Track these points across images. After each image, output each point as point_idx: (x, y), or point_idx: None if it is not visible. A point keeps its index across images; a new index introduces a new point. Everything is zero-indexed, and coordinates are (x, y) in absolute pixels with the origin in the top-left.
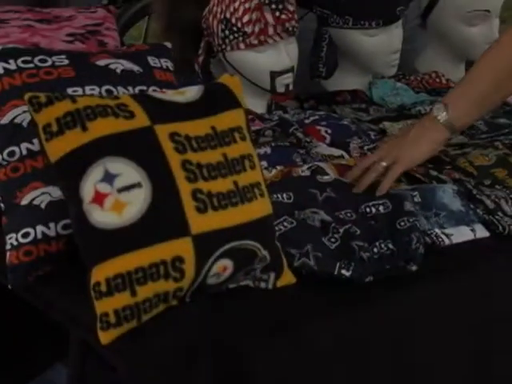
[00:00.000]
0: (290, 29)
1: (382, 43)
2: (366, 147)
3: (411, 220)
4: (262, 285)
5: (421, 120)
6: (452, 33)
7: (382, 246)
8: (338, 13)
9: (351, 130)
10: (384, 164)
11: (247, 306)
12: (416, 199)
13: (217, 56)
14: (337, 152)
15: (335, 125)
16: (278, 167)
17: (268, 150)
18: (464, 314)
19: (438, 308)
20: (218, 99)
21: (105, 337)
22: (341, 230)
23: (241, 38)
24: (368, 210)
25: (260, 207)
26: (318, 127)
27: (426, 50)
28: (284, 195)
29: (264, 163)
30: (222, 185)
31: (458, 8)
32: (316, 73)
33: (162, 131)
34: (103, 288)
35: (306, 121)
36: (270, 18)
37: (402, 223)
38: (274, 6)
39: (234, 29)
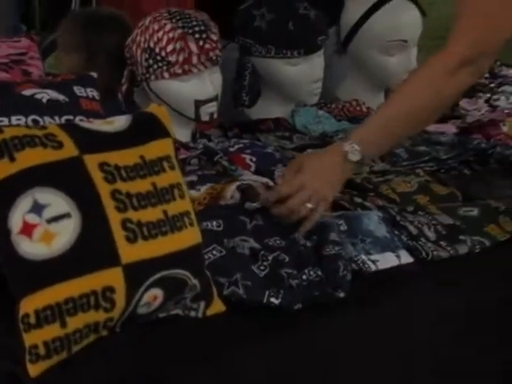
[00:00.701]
0: (214, 58)
1: (304, 72)
2: None
3: (336, 249)
4: (192, 313)
5: (333, 155)
6: (371, 62)
7: (311, 272)
8: (261, 42)
9: (276, 157)
10: (310, 206)
11: (177, 335)
12: (342, 227)
13: (140, 85)
14: (262, 180)
15: (260, 153)
16: (209, 184)
17: (194, 178)
18: (389, 339)
19: (365, 334)
20: (147, 129)
21: (34, 369)
22: (270, 258)
23: (165, 68)
24: (297, 238)
25: (189, 236)
26: (243, 155)
27: (346, 79)
28: (214, 223)
29: (192, 192)
30: (151, 214)
31: (377, 38)
32: (239, 101)
33: (91, 161)
34: (32, 320)
35: (231, 149)
36: (193, 47)
37: (328, 250)
38: (197, 36)
39: (158, 58)
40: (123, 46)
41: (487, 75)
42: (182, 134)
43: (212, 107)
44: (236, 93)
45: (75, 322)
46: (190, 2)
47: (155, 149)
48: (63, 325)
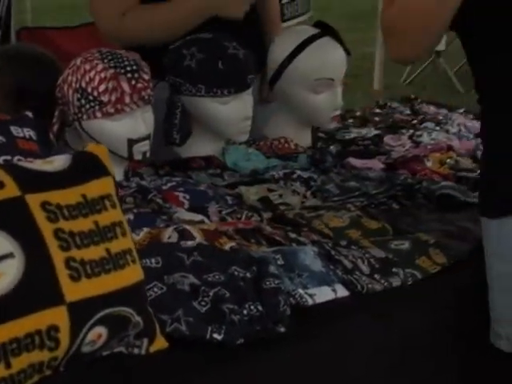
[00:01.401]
0: (146, 97)
1: (234, 110)
2: (224, 212)
3: (276, 282)
4: (136, 351)
5: None
6: (298, 100)
7: (252, 307)
8: (191, 81)
9: (208, 195)
10: None
11: (121, 372)
12: (279, 262)
13: (72, 125)
14: (197, 217)
15: (193, 190)
16: (145, 229)
17: (131, 216)
18: (327, 373)
19: (304, 368)
20: (87, 168)
21: None
22: (210, 293)
23: (97, 107)
24: (236, 273)
25: (132, 273)
26: (176, 193)
27: (273, 116)
28: (152, 260)
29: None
30: (94, 252)
31: (304, 76)
32: (170, 140)
33: (33, 201)
34: None
35: (164, 187)
36: (126, 86)
37: (268, 283)
38: (129, 75)
39: (90, 98)
40: (54, 86)
41: (409, 112)
42: (115, 172)
43: (145, 146)
44: (167, 131)
45: (20, 362)
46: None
47: (96, 187)
48: (8, 365)
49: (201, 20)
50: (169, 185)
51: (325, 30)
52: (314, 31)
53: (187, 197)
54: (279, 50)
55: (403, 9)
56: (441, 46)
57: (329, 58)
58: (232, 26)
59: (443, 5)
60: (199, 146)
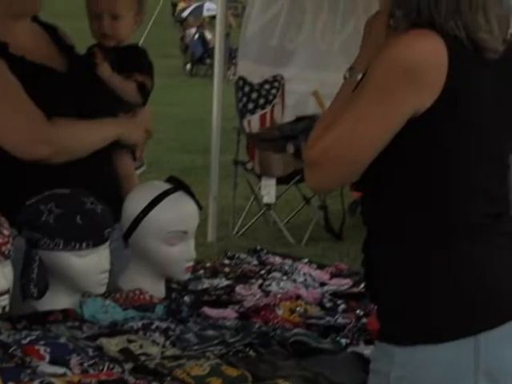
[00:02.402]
0: (6, 252)
1: (91, 264)
2: (85, 364)
3: None
4: None
5: None
6: (153, 252)
7: None
8: (49, 236)
9: (69, 347)
10: None
11: None
12: None
13: None
14: (59, 369)
15: (53, 343)
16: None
17: None
18: None
19: None
20: None
21: None
22: None
23: None
24: None
25: None
26: (37, 347)
27: (128, 268)
28: None
29: None
30: None
31: (159, 229)
32: (28, 294)
33: None
34: None
35: (23, 341)
36: None
37: None
38: None
39: None
40: None
41: (256, 263)
42: None
43: (4, 300)
44: (24, 285)
45: None
46: None
47: None
48: None
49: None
50: (28, 339)
51: (177, 185)
52: (167, 186)
53: (48, 350)
54: (134, 203)
55: (336, 144)
56: (271, 199)
57: (182, 211)
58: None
59: (372, 143)
60: (56, 299)
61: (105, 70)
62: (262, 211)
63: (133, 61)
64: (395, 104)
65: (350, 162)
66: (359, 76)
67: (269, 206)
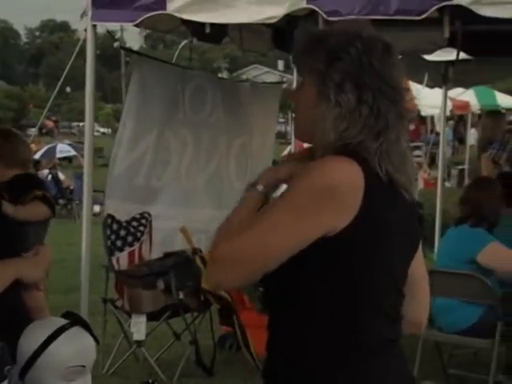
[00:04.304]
0: None
1: None
2: None
3: None
4: None
5: None
6: None
7: None
8: None
9: None
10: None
11: None
12: None
13: None
14: None
15: None
16: None
17: None
18: None
19: None
20: None
21: None
22: None
23: None
24: None
25: None
26: None
27: None
28: None
29: None
30: None
31: (57, 365)
32: None
33: None
34: None
35: None
36: None
37: None
38: None
39: None
40: None
41: None
42: None
43: None
44: None
45: None
46: None
47: None
48: None
49: None
50: None
51: (74, 319)
52: (63, 321)
53: None
54: (30, 340)
55: (248, 246)
56: (141, 336)
57: (80, 346)
58: None
59: (281, 251)
60: None
61: (8, 207)
62: (133, 348)
63: (24, 183)
64: (309, 220)
65: (257, 263)
66: (260, 187)
67: (139, 342)
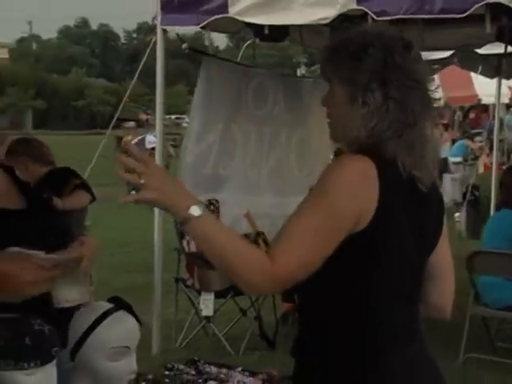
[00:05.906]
0: None
1: (39, 382)
2: None
3: None
4: None
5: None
6: (97, 367)
7: None
8: (1, 356)
9: None
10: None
11: None
12: None
13: None
14: None
15: None
16: None
17: None
18: None
19: None
20: None
21: None
22: None
23: None
24: None
25: None
26: None
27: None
28: None
29: None
30: None
31: (103, 345)
32: None
33: None
34: None
35: None
36: None
37: None
38: None
39: None
40: None
41: (193, 372)
42: None
43: None
44: None
45: None
46: None
47: None
48: None
49: None
50: None
51: (119, 304)
52: (109, 306)
53: None
54: (79, 322)
55: (300, 268)
56: (209, 312)
57: (123, 328)
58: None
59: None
60: None
61: (58, 202)
62: (202, 323)
63: (61, 175)
64: (339, 219)
65: (311, 269)
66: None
67: (208, 318)
